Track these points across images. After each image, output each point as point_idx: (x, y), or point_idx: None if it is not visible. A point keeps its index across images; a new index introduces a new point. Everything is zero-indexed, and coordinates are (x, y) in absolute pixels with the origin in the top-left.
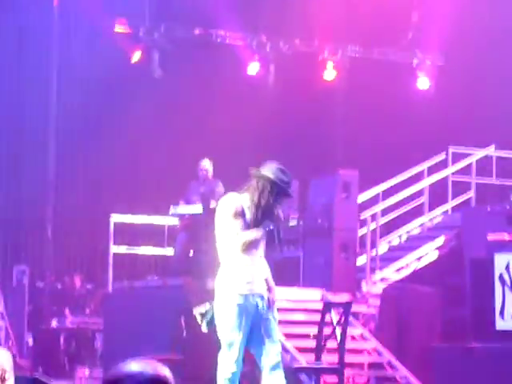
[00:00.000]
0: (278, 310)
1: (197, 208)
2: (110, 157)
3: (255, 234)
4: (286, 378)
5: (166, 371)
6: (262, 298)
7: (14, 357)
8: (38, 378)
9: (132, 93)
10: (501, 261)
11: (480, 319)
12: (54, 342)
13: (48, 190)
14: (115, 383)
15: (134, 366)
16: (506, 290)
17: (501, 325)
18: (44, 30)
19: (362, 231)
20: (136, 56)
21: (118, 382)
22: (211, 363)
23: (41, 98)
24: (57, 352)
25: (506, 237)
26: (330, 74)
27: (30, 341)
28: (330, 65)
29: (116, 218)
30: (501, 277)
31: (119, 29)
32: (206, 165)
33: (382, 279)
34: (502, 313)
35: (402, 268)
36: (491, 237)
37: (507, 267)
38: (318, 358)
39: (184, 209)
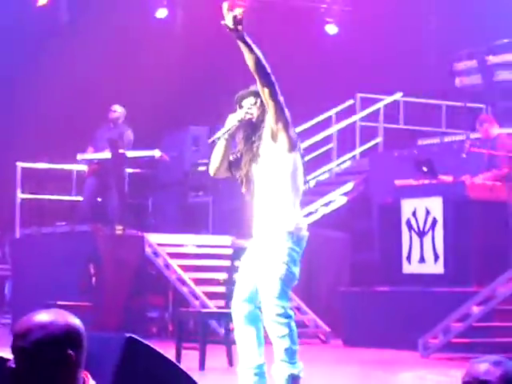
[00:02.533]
0: (188, 255)
1: (105, 153)
2: (17, 103)
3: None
4: (195, 323)
5: (76, 321)
6: None
7: None
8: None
9: (38, 38)
10: (408, 206)
11: (387, 264)
12: None
13: None
14: (26, 334)
15: (45, 316)
16: (413, 235)
17: (407, 269)
18: None
19: None
20: (42, 0)
21: (29, 332)
22: (120, 310)
23: None
24: None
25: (412, 182)
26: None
27: None
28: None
29: (23, 164)
30: (408, 222)
31: None
32: (118, 109)
33: None
34: (408, 257)
35: (311, 213)
36: (398, 182)
37: (414, 213)
38: (227, 304)
39: (92, 154)
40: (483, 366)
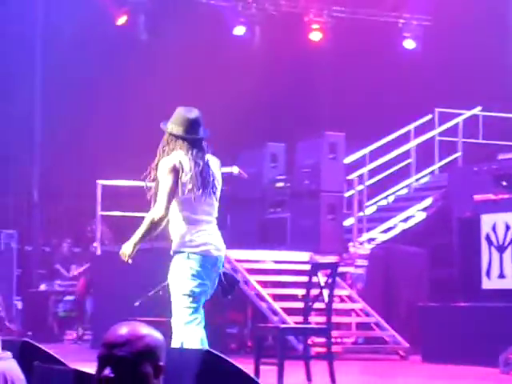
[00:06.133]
0: (266, 271)
1: None
2: (95, 119)
3: None
4: (274, 339)
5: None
6: None
7: (2, 320)
8: (27, 341)
9: (118, 55)
10: (487, 221)
11: (467, 279)
12: (42, 306)
13: (34, 154)
14: (125, 344)
15: (141, 328)
16: (493, 250)
17: (487, 284)
18: None
19: (349, 193)
20: (122, 19)
21: (129, 343)
22: None
23: (26, 60)
24: (46, 315)
25: (492, 197)
26: (315, 35)
27: (19, 304)
28: (315, 26)
29: (103, 182)
30: (487, 237)
31: None
32: None
33: (370, 240)
34: (488, 273)
35: (390, 229)
36: (478, 197)
37: (494, 227)
38: (305, 319)
39: None
40: None
